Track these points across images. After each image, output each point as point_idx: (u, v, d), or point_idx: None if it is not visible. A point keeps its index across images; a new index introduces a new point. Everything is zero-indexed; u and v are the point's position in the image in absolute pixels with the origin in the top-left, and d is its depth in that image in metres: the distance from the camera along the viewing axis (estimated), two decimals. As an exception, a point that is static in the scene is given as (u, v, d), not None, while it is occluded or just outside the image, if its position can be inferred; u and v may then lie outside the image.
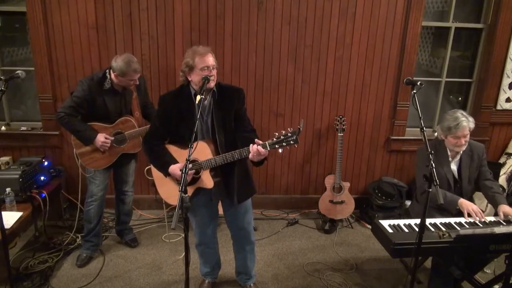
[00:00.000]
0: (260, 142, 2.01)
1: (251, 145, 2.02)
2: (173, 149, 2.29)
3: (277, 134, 1.99)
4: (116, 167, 3.01)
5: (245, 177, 2.36)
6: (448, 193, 2.58)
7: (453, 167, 2.67)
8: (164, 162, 2.25)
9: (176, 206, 1.98)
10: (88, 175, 2.92)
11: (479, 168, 2.69)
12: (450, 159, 2.66)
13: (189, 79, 2.17)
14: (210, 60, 2.13)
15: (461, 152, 2.64)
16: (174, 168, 2.20)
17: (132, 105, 2.89)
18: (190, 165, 2.15)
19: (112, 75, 2.70)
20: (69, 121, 2.67)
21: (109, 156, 2.84)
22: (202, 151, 2.18)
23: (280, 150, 2.00)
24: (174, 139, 2.32)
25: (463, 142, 2.54)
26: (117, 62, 2.62)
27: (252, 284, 2.72)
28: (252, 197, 2.47)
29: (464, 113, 2.56)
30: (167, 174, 2.25)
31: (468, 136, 2.56)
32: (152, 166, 2.39)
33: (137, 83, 2.76)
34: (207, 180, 2.24)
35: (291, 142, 1.95)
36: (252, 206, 2.54)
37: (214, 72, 2.15)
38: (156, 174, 2.38)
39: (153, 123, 2.39)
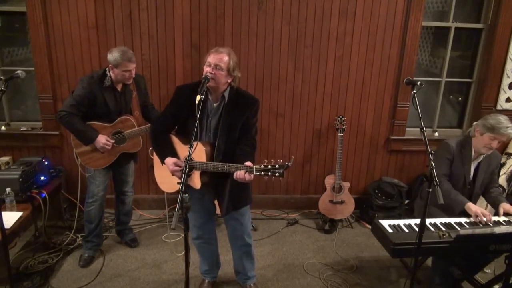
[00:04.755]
0: (251, 164, 2.02)
1: (237, 171, 2.03)
2: (176, 141, 2.30)
3: (266, 161, 2.01)
4: (116, 168, 3.00)
5: (240, 186, 2.28)
6: (459, 194, 2.59)
7: (471, 168, 2.68)
8: (163, 151, 2.27)
9: (166, 192, 1.97)
10: (87, 174, 2.91)
11: (492, 175, 2.72)
12: (472, 159, 2.66)
13: None
14: (214, 57, 2.10)
15: (483, 156, 2.65)
16: (169, 162, 2.20)
17: (132, 104, 2.89)
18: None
19: (111, 72, 2.71)
20: (70, 120, 2.66)
21: (109, 155, 2.84)
22: (198, 152, 2.17)
23: (265, 178, 2.01)
24: (181, 131, 2.32)
25: (494, 146, 2.54)
26: (112, 53, 2.64)
27: (252, 284, 2.72)
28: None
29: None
30: (163, 163, 2.27)
31: (499, 145, 2.57)
32: None
33: (133, 75, 2.74)
34: (196, 181, 2.24)
35: (277, 174, 1.98)
36: (251, 206, 2.53)
37: (215, 71, 2.10)
38: (156, 158, 2.41)
39: (165, 110, 2.37)
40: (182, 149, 2.26)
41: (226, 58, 2.13)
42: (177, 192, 2.01)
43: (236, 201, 2.34)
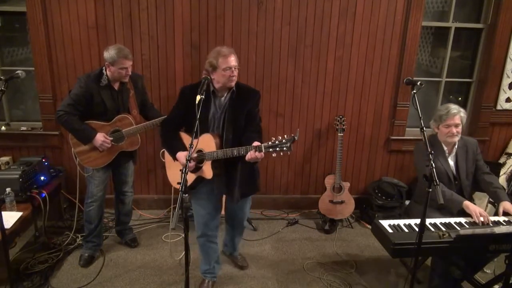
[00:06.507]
0: (258, 143, 2.14)
1: (249, 152, 2.15)
2: (185, 138, 2.44)
3: (273, 138, 2.10)
4: (115, 167, 3.00)
5: (249, 174, 2.47)
6: (454, 193, 2.58)
7: (451, 162, 2.68)
8: (174, 148, 2.40)
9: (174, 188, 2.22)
10: (86, 174, 2.90)
11: (476, 162, 2.71)
12: (447, 154, 2.67)
13: (212, 77, 2.31)
14: (233, 61, 2.27)
15: (456, 147, 2.66)
16: (181, 156, 2.33)
17: (130, 103, 2.88)
18: (195, 155, 2.33)
19: (107, 70, 2.71)
20: (68, 119, 2.66)
21: (107, 154, 2.83)
22: (208, 143, 2.31)
23: (273, 155, 2.10)
24: (188, 129, 2.44)
25: (455, 131, 2.56)
26: (108, 51, 2.65)
27: (238, 256, 3.03)
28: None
29: (456, 105, 2.61)
30: (175, 159, 2.39)
31: (460, 127, 2.58)
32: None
33: (129, 73, 2.74)
34: (207, 171, 2.36)
35: (284, 148, 2.06)
36: (253, 204, 2.71)
37: (236, 72, 2.29)
38: (168, 158, 2.58)
39: (172, 111, 2.52)
40: None
41: (235, 56, 2.31)
42: (189, 187, 2.38)
43: (246, 189, 2.49)
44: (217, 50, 2.28)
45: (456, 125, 2.55)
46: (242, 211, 2.67)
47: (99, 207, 2.96)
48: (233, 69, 2.27)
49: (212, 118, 2.37)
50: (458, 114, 2.55)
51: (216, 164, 2.36)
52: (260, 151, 2.11)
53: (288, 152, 2.07)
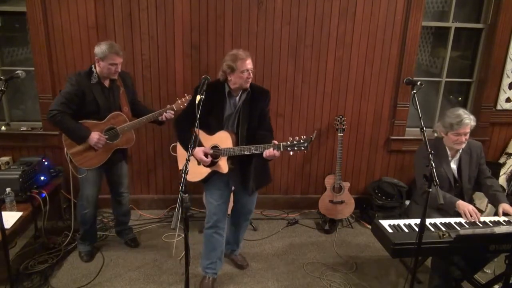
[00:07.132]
0: (276, 142, 2.28)
1: (266, 150, 2.30)
2: (200, 133, 2.50)
3: (291, 138, 2.27)
4: (109, 169, 2.96)
5: (262, 167, 2.62)
6: (447, 194, 2.57)
7: (453, 166, 2.68)
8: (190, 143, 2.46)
9: (193, 183, 2.51)
10: (80, 176, 2.85)
11: (478, 166, 2.70)
12: (450, 158, 2.66)
13: (229, 78, 2.45)
14: (250, 63, 2.42)
15: (461, 150, 2.65)
16: (197, 151, 2.45)
17: (121, 100, 2.86)
18: (211, 151, 2.49)
19: (96, 66, 2.70)
20: (62, 119, 2.62)
21: (103, 153, 2.81)
22: (225, 140, 2.46)
23: (291, 153, 2.28)
24: (203, 125, 2.49)
25: (464, 139, 2.55)
26: (100, 46, 2.65)
27: (238, 255, 3.03)
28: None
29: (466, 111, 2.58)
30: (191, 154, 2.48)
31: (468, 134, 2.57)
32: (178, 144, 2.70)
33: (119, 70, 2.72)
34: (223, 166, 2.50)
35: (302, 148, 2.23)
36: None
37: (251, 74, 2.44)
38: (180, 151, 2.71)
39: (187, 108, 2.66)
40: (207, 140, 2.52)
41: (251, 59, 2.44)
42: (203, 180, 2.58)
43: (259, 181, 2.64)
44: (235, 54, 2.41)
45: (466, 133, 2.54)
46: (251, 203, 2.78)
47: (93, 209, 2.95)
48: (250, 71, 2.41)
49: (227, 117, 2.50)
50: (469, 123, 2.52)
51: (232, 159, 2.50)
52: (278, 149, 2.26)
53: (305, 151, 2.24)
